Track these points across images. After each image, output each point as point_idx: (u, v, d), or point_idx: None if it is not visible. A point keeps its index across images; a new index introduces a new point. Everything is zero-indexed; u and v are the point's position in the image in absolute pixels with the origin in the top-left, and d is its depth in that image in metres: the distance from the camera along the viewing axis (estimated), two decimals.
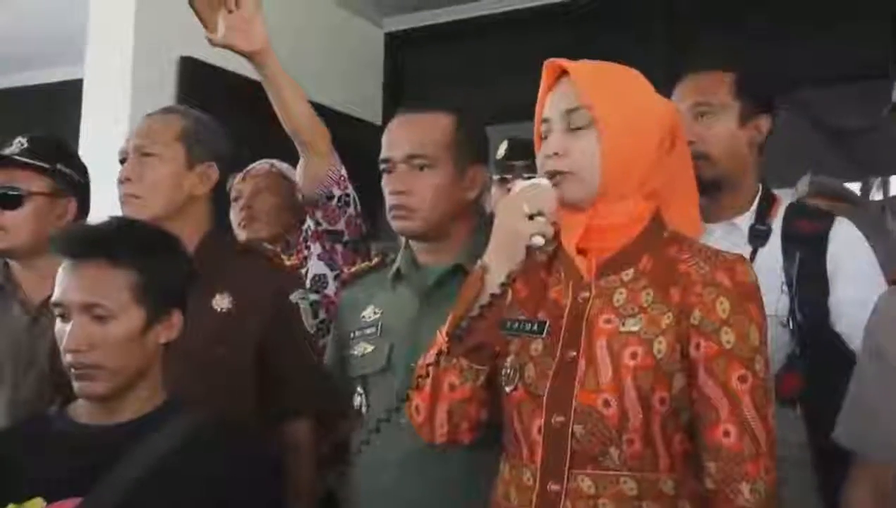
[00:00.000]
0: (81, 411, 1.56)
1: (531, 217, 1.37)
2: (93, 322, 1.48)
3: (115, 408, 1.52)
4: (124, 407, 1.53)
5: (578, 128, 1.40)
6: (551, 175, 1.41)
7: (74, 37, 3.53)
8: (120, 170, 1.91)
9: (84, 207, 2.07)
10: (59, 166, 2.02)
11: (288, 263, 1.98)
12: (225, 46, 2.07)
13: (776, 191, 1.95)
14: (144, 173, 1.86)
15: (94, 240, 1.53)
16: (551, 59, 1.45)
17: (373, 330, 1.81)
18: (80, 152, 2.86)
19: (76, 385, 1.51)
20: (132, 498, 1.46)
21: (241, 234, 2.49)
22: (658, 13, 3.79)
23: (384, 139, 1.81)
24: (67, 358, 1.49)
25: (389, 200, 1.78)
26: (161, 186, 1.87)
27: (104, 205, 1.99)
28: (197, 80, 3.32)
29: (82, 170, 2.10)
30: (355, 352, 1.82)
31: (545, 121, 1.45)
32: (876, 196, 5.31)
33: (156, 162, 1.87)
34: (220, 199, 2.02)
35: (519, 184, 1.44)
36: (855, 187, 3.95)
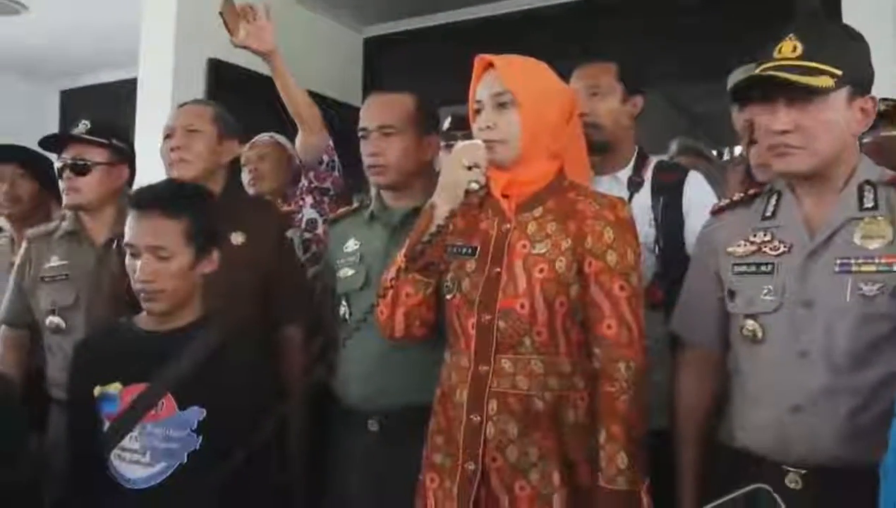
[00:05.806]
0: (145, 321, 1.56)
1: (469, 168, 1.36)
2: (156, 259, 1.48)
3: (170, 320, 1.54)
4: (176, 319, 1.54)
5: (504, 108, 1.38)
6: (485, 142, 1.39)
7: (127, 47, 3.43)
8: (166, 141, 1.88)
9: (133, 172, 2.01)
10: (114, 141, 1.96)
11: (285, 209, 1.94)
12: (244, 47, 2.06)
13: (650, 155, 1.94)
14: (191, 144, 1.85)
15: (155, 197, 1.53)
16: (480, 55, 1.42)
17: (354, 257, 1.77)
18: (137, 134, 2.85)
19: (145, 304, 1.52)
20: (185, 382, 1.48)
21: (251, 190, 2.46)
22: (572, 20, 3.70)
23: (361, 113, 1.77)
24: (138, 286, 1.49)
25: (366, 160, 1.75)
26: (203, 154, 1.86)
27: (153, 170, 1.95)
28: (222, 76, 3.25)
29: (130, 143, 2.04)
30: (340, 275, 1.79)
31: (478, 101, 1.43)
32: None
33: (199, 136, 1.86)
34: (234, 164, 2.01)
35: (459, 144, 1.43)
36: None
